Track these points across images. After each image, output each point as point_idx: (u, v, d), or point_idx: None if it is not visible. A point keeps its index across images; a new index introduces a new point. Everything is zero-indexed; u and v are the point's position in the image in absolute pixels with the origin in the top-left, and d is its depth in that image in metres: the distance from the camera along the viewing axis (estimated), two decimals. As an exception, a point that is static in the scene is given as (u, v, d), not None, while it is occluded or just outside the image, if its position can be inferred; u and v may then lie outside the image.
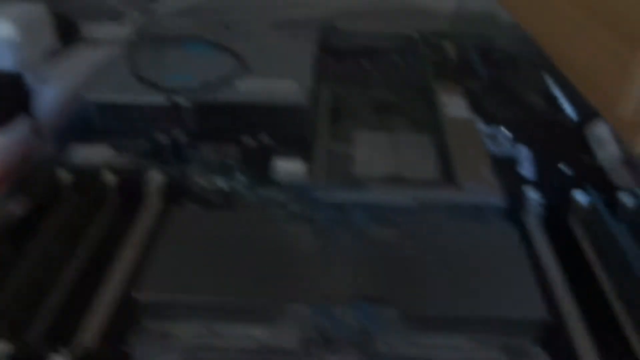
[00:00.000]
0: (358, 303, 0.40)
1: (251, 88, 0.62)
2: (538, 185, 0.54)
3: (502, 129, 0.60)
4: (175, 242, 0.45)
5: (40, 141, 0.59)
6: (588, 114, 0.59)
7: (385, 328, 0.39)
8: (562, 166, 0.57)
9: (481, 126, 0.62)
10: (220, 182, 0.55)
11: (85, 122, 0.62)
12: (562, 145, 0.60)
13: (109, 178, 0.54)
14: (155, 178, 0.54)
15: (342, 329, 0.39)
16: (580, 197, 0.51)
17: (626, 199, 0.49)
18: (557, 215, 0.52)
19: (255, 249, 0.44)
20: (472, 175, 0.52)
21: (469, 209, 0.49)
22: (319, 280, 0.42)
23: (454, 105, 0.64)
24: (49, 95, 0.70)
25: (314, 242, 0.45)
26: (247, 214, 0.50)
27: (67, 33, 0.82)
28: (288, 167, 0.57)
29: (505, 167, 0.55)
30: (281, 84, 0.63)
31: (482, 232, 0.46)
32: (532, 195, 0.52)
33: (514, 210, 0.50)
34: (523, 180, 0.55)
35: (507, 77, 0.72)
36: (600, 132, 0.56)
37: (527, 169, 0.57)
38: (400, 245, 0.45)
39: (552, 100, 0.67)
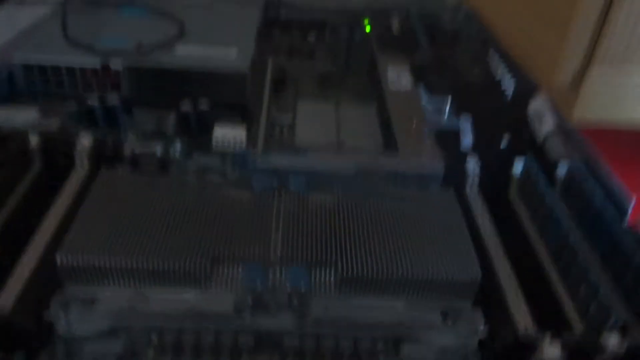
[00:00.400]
0: (292, 265, 0.39)
1: (190, 53, 0.60)
2: (478, 156, 0.54)
3: (445, 101, 0.60)
4: (102, 204, 0.43)
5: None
6: (527, 89, 0.60)
7: (320, 290, 0.39)
8: (501, 138, 0.58)
9: (425, 99, 0.62)
10: (155, 148, 0.52)
11: (10, 83, 0.58)
12: (502, 118, 0.61)
13: (34, 141, 0.50)
14: (85, 142, 0.51)
15: (276, 292, 0.38)
16: (518, 167, 0.52)
17: (560, 170, 0.50)
18: (495, 185, 0.53)
19: (187, 213, 0.43)
20: (412, 145, 0.52)
21: (409, 177, 0.49)
22: (253, 244, 0.40)
23: (398, 79, 0.64)
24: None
25: (249, 207, 0.44)
26: (180, 179, 0.48)
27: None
28: (227, 135, 0.55)
29: (446, 138, 0.55)
30: (222, 51, 0.61)
31: (421, 198, 0.46)
32: (472, 165, 0.52)
33: (453, 179, 0.50)
34: (464, 152, 0.56)
35: (451, 52, 0.72)
36: (539, 106, 0.57)
37: (468, 141, 0.57)
38: (338, 210, 0.44)
39: (493, 76, 0.67)
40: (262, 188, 0.46)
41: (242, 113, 0.58)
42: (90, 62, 0.58)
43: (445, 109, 0.60)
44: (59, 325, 0.38)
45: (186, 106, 0.56)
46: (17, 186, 0.47)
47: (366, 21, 0.79)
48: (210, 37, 0.63)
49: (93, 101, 0.56)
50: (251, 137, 0.54)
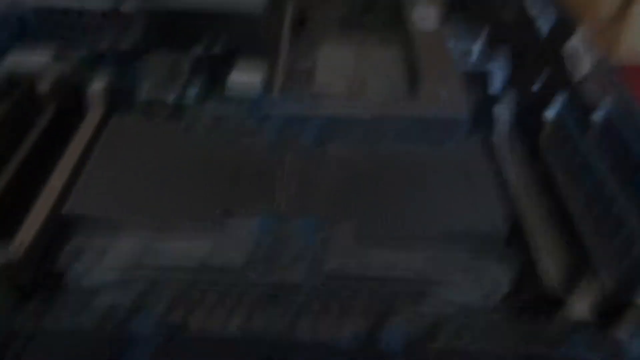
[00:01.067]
0: (307, 219, 0.37)
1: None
2: (508, 101, 0.50)
3: (475, 43, 0.56)
4: (112, 154, 0.41)
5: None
6: (565, 26, 0.56)
7: (334, 245, 0.37)
8: (535, 80, 0.54)
9: (453, 40, 0.58)
10: (168, 93, 0.50)
11: (21, 27, 0.57)
12: (536, 58, 0.57)
13: (46, 85, 0.49)
14: (97, 86, 0.49)
15: (289, 245, 0.37)
16: (551, 111, 0.49)
17: (597, 114, 0.46)
18: (528, 129, 0.50)
19: (198, 163, 0.41)
20: (437, 89, 0.49)
21: (432, 123, 0.46)
22: (266, 196, 0.39)
23: (425, 19, 0.60)
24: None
25: (263, 157, 0.42)
26: (192, 127, 0.46)
27: None
28: (243, 80, 0.53)
29: (475, 82, 0.51)
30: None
31: (445, 147, 0.43)
32: (501, 110, 0.49)
33: (481, 125, 0.47)
34: (493, 96, 0.52)
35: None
36: (577, 45, 0.52)
37: (498, 83, 0.54)
38: (354, 161, 0.42)
39: (528, 15, 0.63)
40: (276, 136, 0.44)
41: (258, 56, 0.55)
42: (101, 4, 0.55)
43: (475, 49, 0.56)
44: (69, 276, 0.37)
45: (200, 50, 0.54)
46: (29, 131, 0.46)
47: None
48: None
49: (104, 45, 0.54)
50: (268, 82, 0.52)
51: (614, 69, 0.48)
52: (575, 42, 0.53)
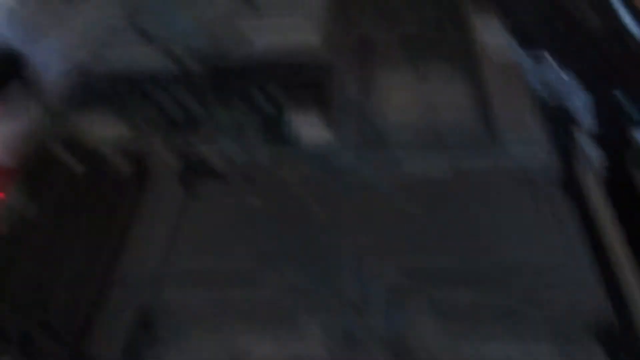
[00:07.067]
0: (388, 308, 0.35)
1: (260, 33, 0.55)
2: (593, 126, 0.46)
3: (547, 56, 0.51)
4: (192, 228, 0.41)
5: (39, 112, 0.55)
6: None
7: (416, 330, 0.35)
8: (621, 99, 0.49)
9: (522, 54, 0.53)
10: (233, 148, 0.49)
11: (85, 89, 0.57)
12: (623, 72, 0.51)
13: (112, 150, 0.49)
14: (164, 152, 0.49)
15: (371, 331, 0.35)
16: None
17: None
18: (614, 154, 0.45)
19: (270, 228, 0.40)
20: (515, 128, 0.45)
21: (513, 173, 0.42)
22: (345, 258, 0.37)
23: (491, 31, 0.55)
24: (46, 60, 0.65)
25: (331, 216, 0.40)
26: (261, 185, 0.45)
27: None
28: (306, 125, 0.51)
29: (557, 116, 0.47)
30: (294, 25, 0.55)
31: (530, 204, 0.40)
32: (587, 146, 0.45)
33: (567, 170, 0.43)
34: (574, 125, 0.48)
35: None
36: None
37: (578, 107, 0.49)
38: (436, 221, 0.39)
39: (612, 15, 0.56)
40: (345, 190, 0.42)
41: (320, 97, 0.53)
42: (165, 65, 0.55)
43: (547, 66, 0.51)
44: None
45: (259, 97, 0.53)
46: (99, 201, 0.46)
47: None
48: (277, 9, 0.58)
49: (168, 103, 0.53)
50: (331, 125, 0.50)
51: None
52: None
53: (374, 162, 0.44)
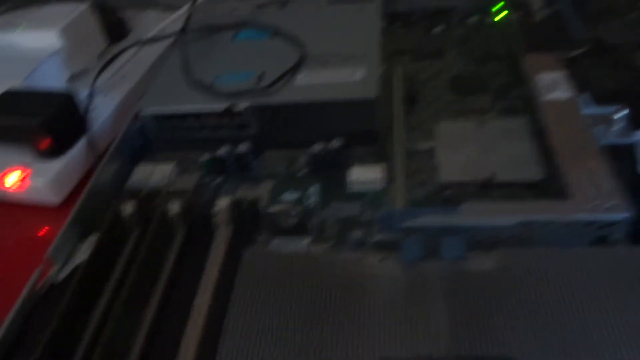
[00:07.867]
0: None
1: (312, 82, 0.56)
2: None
3: (615, 108, 0.50)
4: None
5: (98, 161, 0.56)
6: None
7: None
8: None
9: (587, 106, 0.52)
10: (292, 200, 0.50)
11: (142, 135, 0.58)
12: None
13: (175, 207, 0.49)
14: (223, 204, 0.49)
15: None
16: None
17: None
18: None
19: (330, 303, 0.39)
20: (584, 182, 0.44)
21: (585, 229, 0.41)
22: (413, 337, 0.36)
23: (550, 82, 0.55)
24: (103, 109, 0.67)
25: (403, 289, 0.39)
26: (320, 254, 0.45)
27: (113, 28, 0.77)
28: (363, 175, 0.51)
29: (624, 161, 0.46)
30: (346, 74, 0.56)
31: (606, 261, 0.39)
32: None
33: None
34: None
35: (612, 32, 0.61)
36: None
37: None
38: (507, 285, 0.38)
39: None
40: (412, 257, 0.41)
41: (375, 146, 0.53)
42: (215, 105, 0.56)
43: (616, 118, 0.50)
44: None
45: (317, 146, 0.53)
46: (164, 260, 0.47)
47: (496, 7, 0.69)
48: (331, 57, 0.59)
49: (222, 150, 0.54)
50: (389, 178, 0.50)
51: None
52: None
53: (435, 222, 0.44)
